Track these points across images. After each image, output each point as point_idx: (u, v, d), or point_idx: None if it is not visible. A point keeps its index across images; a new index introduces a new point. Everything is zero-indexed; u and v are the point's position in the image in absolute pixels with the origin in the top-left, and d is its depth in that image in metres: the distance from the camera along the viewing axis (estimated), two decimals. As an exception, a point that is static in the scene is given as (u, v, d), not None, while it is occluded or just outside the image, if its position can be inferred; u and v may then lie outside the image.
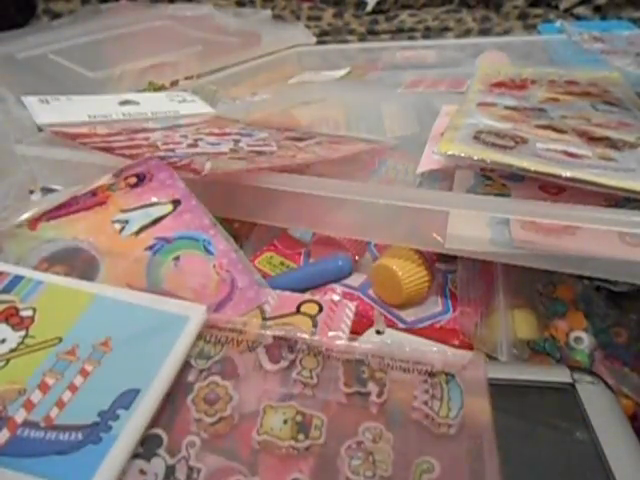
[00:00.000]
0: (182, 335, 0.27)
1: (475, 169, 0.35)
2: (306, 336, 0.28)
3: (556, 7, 0.92)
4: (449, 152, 0.33)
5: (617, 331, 0.36)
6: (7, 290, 0.28)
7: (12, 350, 0.25)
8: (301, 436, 0.24)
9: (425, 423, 0.25)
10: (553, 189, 0.32)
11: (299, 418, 0.25)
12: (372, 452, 0.23)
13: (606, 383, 0.28)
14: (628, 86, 0.47)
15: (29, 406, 0.23)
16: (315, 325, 0.30)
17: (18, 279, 0.29)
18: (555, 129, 0.37)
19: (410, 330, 0.35)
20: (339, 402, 0.26)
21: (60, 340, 0.26)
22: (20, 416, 0.23)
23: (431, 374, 0.26)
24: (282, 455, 0.24)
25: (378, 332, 0.34)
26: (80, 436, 0.22)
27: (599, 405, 0.27)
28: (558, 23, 0.76)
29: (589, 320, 0.36)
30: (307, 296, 0.33)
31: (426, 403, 0.25)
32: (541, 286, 0.38)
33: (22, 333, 0.26)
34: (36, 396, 0.23)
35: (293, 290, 0.33)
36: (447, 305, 0.38)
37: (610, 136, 0.36)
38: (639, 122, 0.39)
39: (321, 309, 0.31)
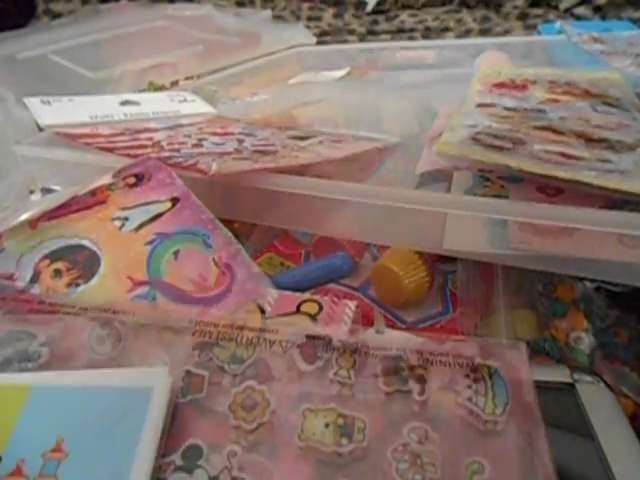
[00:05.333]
0: (149, 414, 0.23)
1: (473, 170, 0.35)
2: (341, 333, 0.27)
3: (556, 7, 0.92)
4: (447, 153, 0.33)
5: (617, 331, 0.36)
6: None
7: None
8: (344, 440, 0.23)
9: (470, 420, 0.24)
10: (551, 190, 0.32)
11: (340, 421, 0.24)
12: (419, 454, 0.22)
13: (606, 383, 0.28)
14: (628, 87, 0.47)
15: None
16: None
17: None
18: (554, 130, 0.37)
19: (410, 330, 0.35)
20: (380, 402, 0.24)
21: None
22: None
23: (473, 368, 0.25)
24: (326, 461, 0.23)
25: (378, 332, 0.34)
26: None
27: (599, 405, 0.27)
28: (558, 23, 0.76)
29: (589, 320, 0.36)
30: (307, 295, 0.33)
31: (470, 399, 0.24)
32: (541, 286, 0.38)
33: None
34: None
35: (293, 290, 0.33)
36: (447, 305, 0.38)
37: (609, 137, 0.36)
38: (638, 123, 0.39)
39: (321, 308, 0.31)
